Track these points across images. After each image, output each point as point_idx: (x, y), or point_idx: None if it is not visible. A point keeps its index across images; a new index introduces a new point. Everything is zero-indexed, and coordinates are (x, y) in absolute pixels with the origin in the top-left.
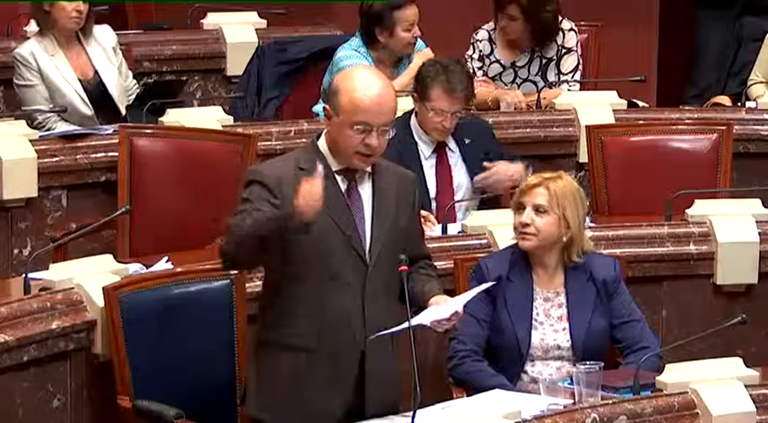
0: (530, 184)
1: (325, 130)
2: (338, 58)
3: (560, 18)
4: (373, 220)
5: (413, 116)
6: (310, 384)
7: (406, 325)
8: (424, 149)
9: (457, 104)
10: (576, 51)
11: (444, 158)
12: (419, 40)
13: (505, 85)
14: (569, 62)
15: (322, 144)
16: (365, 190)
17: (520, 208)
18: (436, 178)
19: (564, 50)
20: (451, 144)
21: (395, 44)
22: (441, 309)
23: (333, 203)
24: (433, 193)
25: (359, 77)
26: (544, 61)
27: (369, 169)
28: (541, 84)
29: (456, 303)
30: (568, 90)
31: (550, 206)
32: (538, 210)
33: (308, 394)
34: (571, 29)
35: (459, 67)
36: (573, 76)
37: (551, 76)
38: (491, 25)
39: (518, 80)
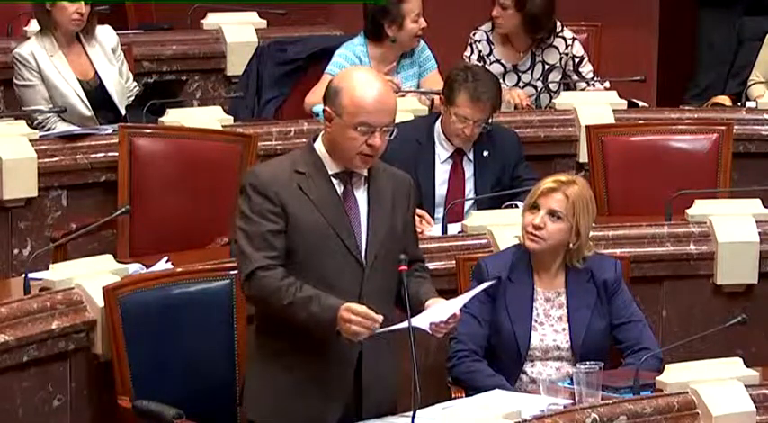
0: (547, 187)
1: (322, 132)
2: (334, 57)
3: (561, 27)
4: (369, 223)
5: (439, 119)
6: (308, 387)
7: (405, 324)
8: (441, 154)
9: (480, 113)
10: (585, 57)
11: (459, 167)
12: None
13: (508, 87)
14: (587, 69)
15: (319, 146)
16: (361, 193)
17: (534, 209)
18: (448, 185)
19: (577, 60)
20: (470, 154)
21: (404, 37)
22: (438, 311)
23: (329, 207)
24: (440, 198)
25: (358, 78)
26: (546, 67)
27: (364, 172)
28: (542, 89)
29: (454, 306)
30: (606, 89)
31: (566, 214)
32: (553, 214)
33: (306, 397)
34: (573, 37)
35: (488, 77)
36: (597, 79)
37: (553, 85)
38: (488, 26)
39: (521, 84)
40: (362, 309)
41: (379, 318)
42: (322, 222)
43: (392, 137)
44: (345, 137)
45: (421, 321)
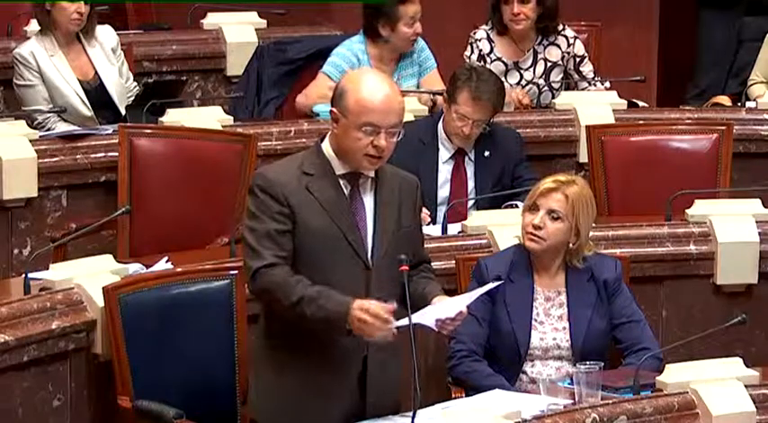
0: (546, 187)
1: (329, 133)
2: (331, 56)
3: (563, 25)
4: (375, 225)
5: (442, 118)
6: (312, 389)
7: (406, 321)
8: (443, 154)
9: (480, 113)
10: (586, 57)
11: (462, 167)
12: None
13: (510, 85)
14: (588, 68)
15: (326, 147)
16: (367, 194)
17: (533, 209)
18: (451, 185)
19: (578, 59)
20: (471, 154)
21: (396, 39)
22: (444, 308)
23: (336, 208)
24: (443, 198)
25: (365, 79)
26: (548, 64)
27: (372, 173)
28: (545, 87)
29: (460, 303)
30: (606, 89)
31: (565, 214)
32: (552, 214)
33: (310, 399)
34: (574, 36)
35: (492, 78)
36: (597, 79)
37: (555, 84)
38: (489, 25)
39: (523, 81)
40: (374, 309)
41: (392, 320)
42: (329, 223)
43: (399, 138)
44: (351, 137)
45: (425, 318)
